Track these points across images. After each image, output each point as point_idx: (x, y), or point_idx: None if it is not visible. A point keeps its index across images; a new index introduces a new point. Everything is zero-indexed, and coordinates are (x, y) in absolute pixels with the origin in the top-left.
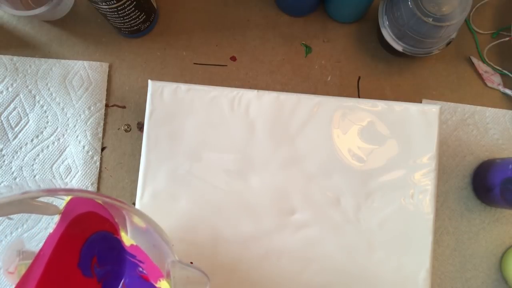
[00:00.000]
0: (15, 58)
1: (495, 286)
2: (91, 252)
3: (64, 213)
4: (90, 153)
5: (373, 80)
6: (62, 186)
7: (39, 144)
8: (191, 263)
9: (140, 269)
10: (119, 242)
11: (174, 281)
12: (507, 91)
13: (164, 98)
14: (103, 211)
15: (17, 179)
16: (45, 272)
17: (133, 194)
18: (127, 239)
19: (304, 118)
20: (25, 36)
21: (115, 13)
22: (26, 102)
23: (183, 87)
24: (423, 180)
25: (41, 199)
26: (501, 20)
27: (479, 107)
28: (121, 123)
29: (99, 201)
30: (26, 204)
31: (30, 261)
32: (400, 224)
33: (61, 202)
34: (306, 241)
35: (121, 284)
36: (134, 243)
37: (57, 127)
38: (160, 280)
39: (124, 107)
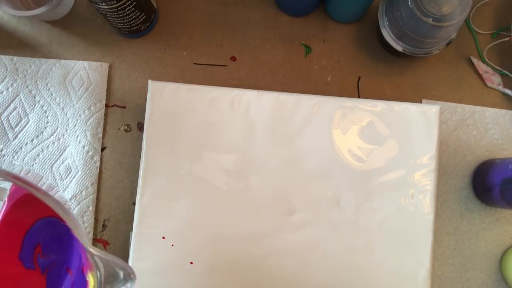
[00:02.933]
0: (15, 58)
1: (495, 286)
2: (35, 240)
3: (9, 197)
4: (90, 153)
5: (373, 80)
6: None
7: (39, 144)
8: (191, 263)
9: (83, 260)
10: (68, 230)
11: (99, 274)
12: (507, 91)
13: (164, 98)
14: None
15: None
16: None
17: (133, 194)
18: None
19: (304, 118)
20: (25, 36)
21: (115, 13)
22: (26, 102)
23: (183, 87)
24: (423, 180)
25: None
26: (501, 20)
27: (479, 107)
28: (121, 123)
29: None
30: None
31: None
32: (400, 224)
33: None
34: (306, 241)
35: (69, 280)
36: None
37: (57, 127)
38: (88, 273)
39: (124, 107)
